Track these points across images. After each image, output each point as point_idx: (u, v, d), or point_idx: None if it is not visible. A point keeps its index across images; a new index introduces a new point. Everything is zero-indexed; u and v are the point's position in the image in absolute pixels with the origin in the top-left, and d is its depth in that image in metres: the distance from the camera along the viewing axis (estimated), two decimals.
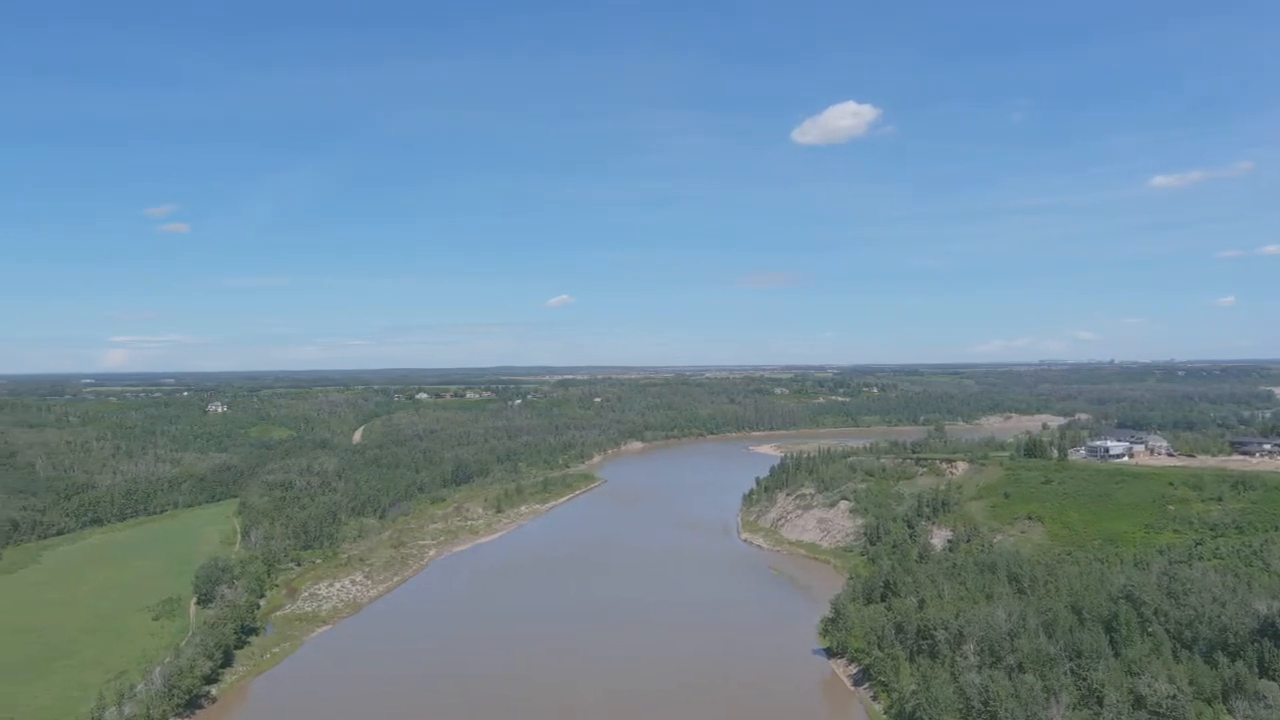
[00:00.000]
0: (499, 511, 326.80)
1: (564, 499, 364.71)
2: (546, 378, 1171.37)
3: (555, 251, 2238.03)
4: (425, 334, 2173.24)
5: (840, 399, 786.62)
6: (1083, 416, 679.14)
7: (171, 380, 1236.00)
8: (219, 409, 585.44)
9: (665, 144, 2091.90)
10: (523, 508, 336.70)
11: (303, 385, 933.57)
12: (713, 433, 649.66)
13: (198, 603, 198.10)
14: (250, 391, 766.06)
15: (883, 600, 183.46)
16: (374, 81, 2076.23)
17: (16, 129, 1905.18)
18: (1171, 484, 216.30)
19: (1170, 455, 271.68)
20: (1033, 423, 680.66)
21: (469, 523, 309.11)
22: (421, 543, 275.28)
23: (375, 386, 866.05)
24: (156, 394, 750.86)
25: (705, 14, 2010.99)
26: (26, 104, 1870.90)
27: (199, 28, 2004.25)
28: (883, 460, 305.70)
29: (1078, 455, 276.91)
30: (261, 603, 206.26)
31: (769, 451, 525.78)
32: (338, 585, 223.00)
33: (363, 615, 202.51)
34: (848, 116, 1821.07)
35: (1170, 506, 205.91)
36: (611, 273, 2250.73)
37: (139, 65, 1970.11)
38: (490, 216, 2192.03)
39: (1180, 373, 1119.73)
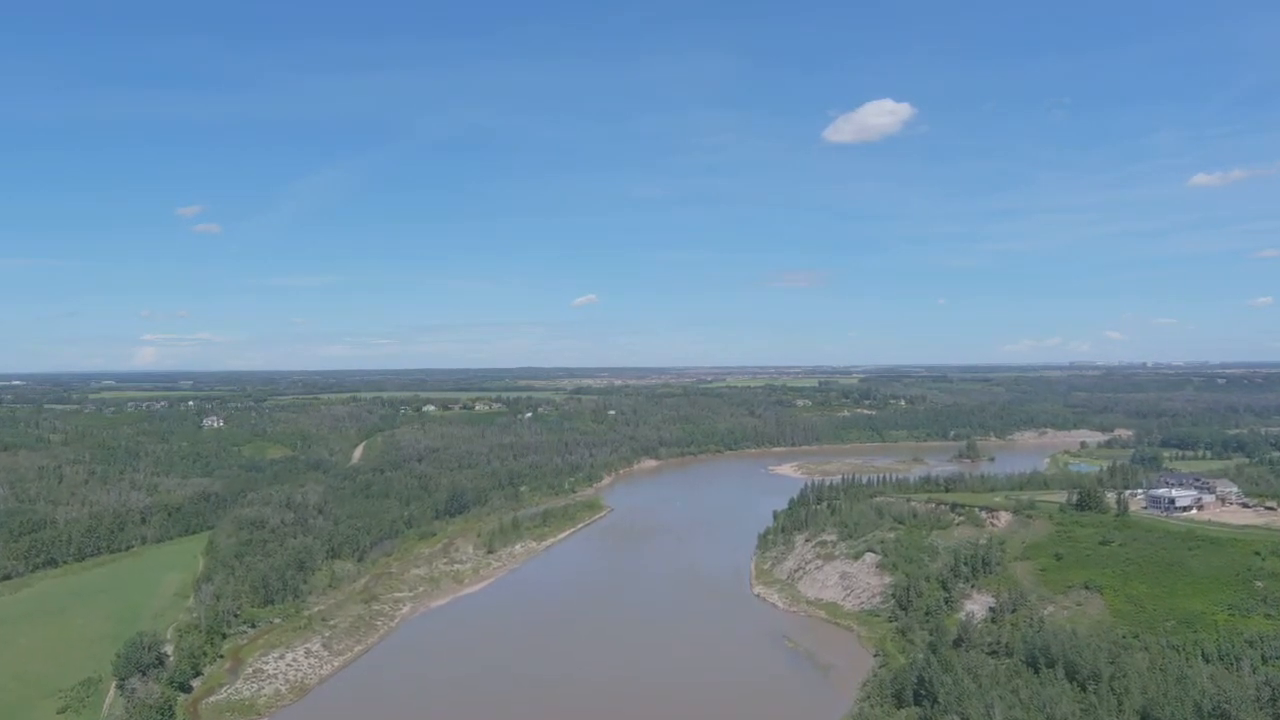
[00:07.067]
0: (490, 551, 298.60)
1: (565, 534, 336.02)
2: (566, 382, 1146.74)
3: (582, 251, 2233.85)
4: (452, 333, 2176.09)
5: (865, 411, 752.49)
6: (1123, 433, 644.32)
7: (190, 381, 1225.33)
8: (215, 424, 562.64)
9: (697, 144, 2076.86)
10: (517, 546, 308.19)
11: (316, 391, 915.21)
12: (731, 448, 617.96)
13: (119, 686, 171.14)
14: (256, 401, 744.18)
15: (916, 703, 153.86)
16: (407, 85, 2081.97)
17: (51, 131, 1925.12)
18: (1258, 553, 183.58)
19: (1245, 506, 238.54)
20: (1070, 439, 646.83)
21: (455, 566, 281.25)
22: (396, 595, 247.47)
23: (386, 394, 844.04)
24: (160, 403, 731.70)
25: (740, 15, 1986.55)
26: (60, 107, 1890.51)
27: (230, 31, 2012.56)
28: (913, 503, 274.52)
29: (1135, 499, 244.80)
30: (196, 683, 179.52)
31: (790, 472, 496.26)
32: (289, 657, 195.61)
33: (307, 702, 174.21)
34: (883, 114, 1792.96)
35: (1258, 583, 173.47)
36: (638, 272, 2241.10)
37: (170, 67, 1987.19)
38: (519, 217, 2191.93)
39: (1220, 380, 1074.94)
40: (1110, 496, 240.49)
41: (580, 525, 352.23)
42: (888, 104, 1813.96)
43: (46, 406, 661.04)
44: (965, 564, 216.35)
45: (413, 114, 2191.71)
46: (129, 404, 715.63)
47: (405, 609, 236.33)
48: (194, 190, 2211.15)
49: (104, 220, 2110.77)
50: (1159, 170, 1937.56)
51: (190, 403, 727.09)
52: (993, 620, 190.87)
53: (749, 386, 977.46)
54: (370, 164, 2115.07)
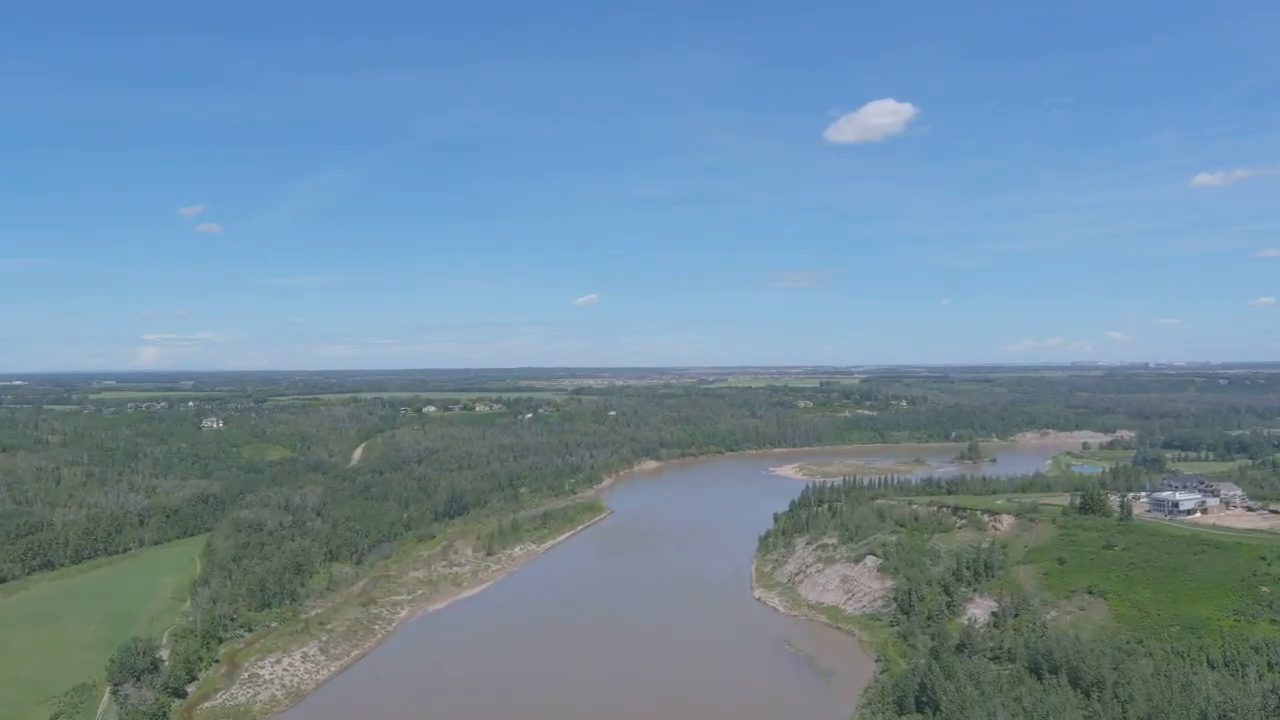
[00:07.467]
0: (489, 554, 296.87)
1: (564, 536, 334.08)
2: (567, 382, 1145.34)
3: (583, 251, 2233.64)
4: (454, 333, 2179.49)
5: (867, 413, 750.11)
6: (1125, 434, 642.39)
7: (191, 382, 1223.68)
8: (215, 424, 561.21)
9: (698, 144, 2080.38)
10: (516, 549, 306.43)
11: (316, 392, 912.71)
12: (732, 449, 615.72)
13: (113, 692, 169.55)
14: (256, 402, 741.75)
15: (918, 710, 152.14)
16: (407, 85, 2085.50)
17: (51, 131, 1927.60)
18: (1264, 558, 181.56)
19: (1249, 509, 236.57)
20: (1071, 440, 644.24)
21: (454, 569, 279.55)
22: (394, 598, 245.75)
23: (387, 394, 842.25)
24: (160, 403, 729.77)
25: (741, 14, 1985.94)
26: (61, 107, 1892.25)
27: (230, 31, 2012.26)
28: (915, 506, 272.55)
29: (1139, 503, 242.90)
30: (191, 689, 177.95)
31: (791, 474, 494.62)
32: (285, 662, 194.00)
33: (303, 708, 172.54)
34: (885, 114, 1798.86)
35: (1264, 588, 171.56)
36: (639, 272, 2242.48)
37: (171, 67, 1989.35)
38: (520, 217, 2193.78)
39: (1222, 380, 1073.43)
40: (1113, 499, 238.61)
41: (580, 527, 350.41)
42: (889, 104, 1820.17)
43: (46, 407, 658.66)
44: (967, 568, 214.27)
45: (413, 114, 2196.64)
46: (129, 404, 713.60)
47: (403, 612, 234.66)
48: (195, 190, 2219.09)
49: (105, 220, 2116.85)
50: (1160, 170, 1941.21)
51: (190, 403, 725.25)
52: (995, 625, 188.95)
53: (750, 387, 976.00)
54: (371, 164, 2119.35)
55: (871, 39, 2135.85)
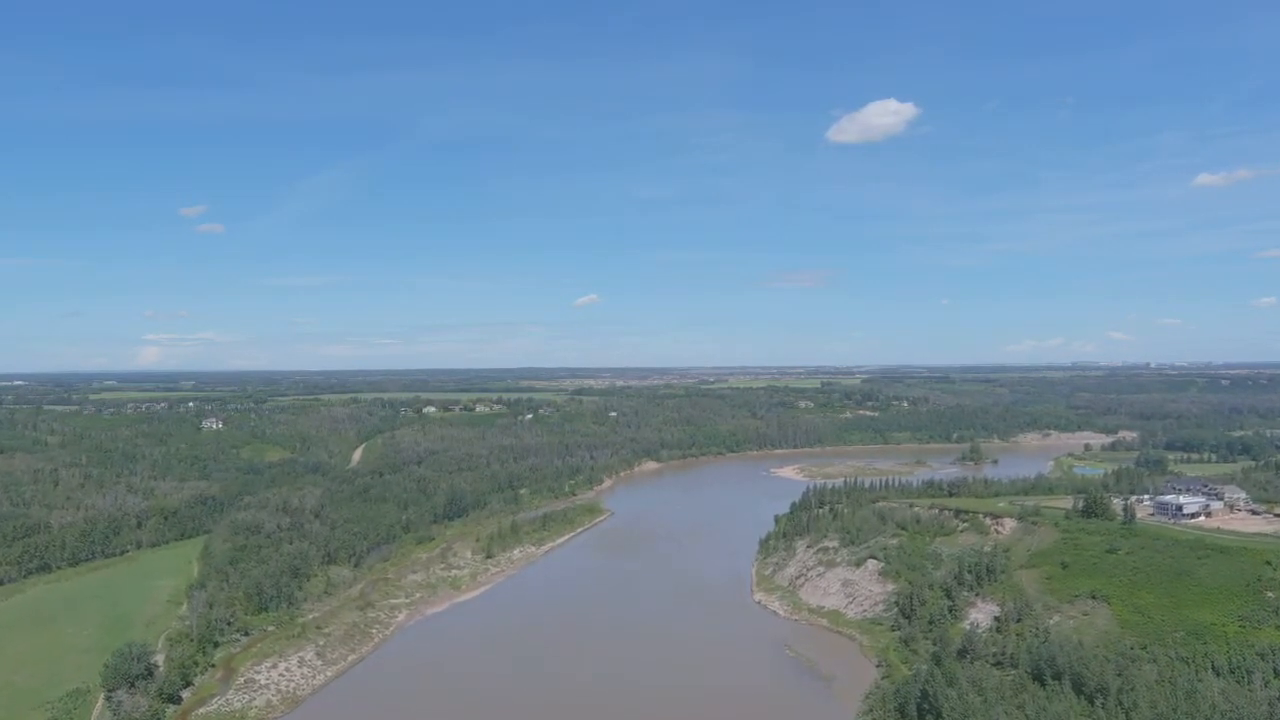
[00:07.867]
0: (489, 556, 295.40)
1: (564, 538, 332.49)
2: (568, 382, 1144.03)
3: (584, 251, 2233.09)
4: (454, 333, 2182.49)
5: (868, 414, 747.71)
6: (1127, 435, 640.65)
7: (192, 382, 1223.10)
8: (214, 425, 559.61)
9: (700, 144, 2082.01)
10: (516, 551, 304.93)
11: (317, 392, 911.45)
12: (733, 450, 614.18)
13: (107, 698, 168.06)
14: (256, 402, 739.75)
15: (920, 718, 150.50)
16: (409, 85, 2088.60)
17: (52, 131, 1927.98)
18: (1269, 563, 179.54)
19: (1254, 513, 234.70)
20: (1073, 441, 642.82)
21: (452, 572, 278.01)
22: (392, 601, 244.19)
23: (387, 395, 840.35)
24: (160, 404, 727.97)
25: (743, 15, 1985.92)
26: (61, 107, 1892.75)
27: (232, 31, 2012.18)
28: (916, 508, 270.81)
29: (1142, 506, 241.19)
30: (186, 694, 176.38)
31: (792, 475, 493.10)
32: (281, 666, 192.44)
33: (299, 714, 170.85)
34: (887, 115, 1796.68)
35: (1269, 594, 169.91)
36: (640, 272, 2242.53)
37: (172, 67, 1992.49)
38: (521, 217, 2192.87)
39: (1224, 381, 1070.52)
40: (1116, 502, 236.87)
41: (580, 529, 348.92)
42: (891, 104, 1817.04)
43: (46, 408, 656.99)
44: (969, 571, 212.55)
45: (415, 114, 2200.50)
46: (128, 405, 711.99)
47: (401, 616, 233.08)
48: (197, 190, 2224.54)
49: (107, 220, 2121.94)
50: (1163, 170, 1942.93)
51: (190, 404, 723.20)
52: (997, 630, 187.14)
53: (751, 387, 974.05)
54: (372, 164, 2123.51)
55: (873, 39, 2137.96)
